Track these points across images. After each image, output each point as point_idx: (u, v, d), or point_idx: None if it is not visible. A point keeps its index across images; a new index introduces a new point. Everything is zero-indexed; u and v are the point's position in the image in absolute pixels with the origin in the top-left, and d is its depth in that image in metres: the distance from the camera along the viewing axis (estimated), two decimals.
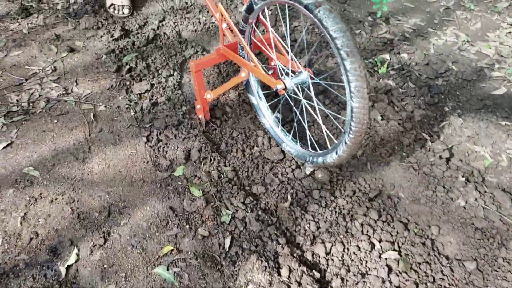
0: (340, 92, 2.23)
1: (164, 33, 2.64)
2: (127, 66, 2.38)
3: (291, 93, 1.66)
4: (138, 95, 2.24)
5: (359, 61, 1.28)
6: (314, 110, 1.98)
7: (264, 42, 1.78)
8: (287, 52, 1.66)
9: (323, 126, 1.70)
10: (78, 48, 2.55)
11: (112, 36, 2.58)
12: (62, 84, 2.30)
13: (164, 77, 2.34)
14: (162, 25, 2.70)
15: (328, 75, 2.33)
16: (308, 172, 1.85)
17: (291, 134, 1.93)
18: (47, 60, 2.45)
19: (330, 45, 1.31)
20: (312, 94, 1.61)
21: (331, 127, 2.09)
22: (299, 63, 1.63)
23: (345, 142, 1.47)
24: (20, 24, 2.72)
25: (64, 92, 2.25)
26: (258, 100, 2.03)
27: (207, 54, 2.45)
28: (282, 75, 1.67)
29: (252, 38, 1.79)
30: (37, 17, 2.78)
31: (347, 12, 2.87)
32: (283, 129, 1.97)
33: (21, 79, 2.32)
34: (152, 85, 2.29)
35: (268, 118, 2.01)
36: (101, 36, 2.61)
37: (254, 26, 1.73)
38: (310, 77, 1.60)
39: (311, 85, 1.60)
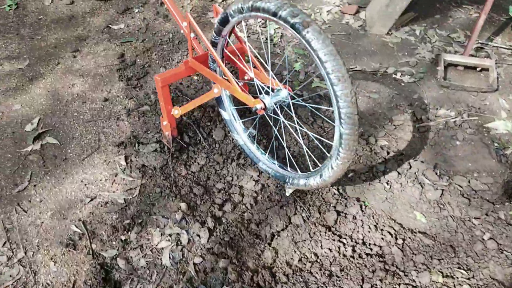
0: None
1: None
2: None
3: (271, 113, 1.60)
4: None
5: (350, 86, 1.24)
6: (296, 130, 1.84)
7: (239, 56, 1.68)
8: (266, 69, 1.57)
9: (306, 149, 1.71)
10: None
11: None
12: None
13: None
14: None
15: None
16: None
17: (267, 153, 1.83)
18: None
19: (319, 68, 1.25)
20: (293, 114, 1.56)
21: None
22: (278, 80, 1.54)
23: (331, 167, 1.43)
24: None
25: None
26: (231, 116, 1.92)
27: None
28: (260, 93, 1.55)
29: (225, 51, 1.69)
30: None
31: None
32: (258, 147, 1.87)
33: None
34: None
35: (242, 135, 1.90)
36: None
37: (227, 38, 1.64)
38: (291, 96, 1.53)
39: (291, 105, 1.54)
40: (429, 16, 2.90)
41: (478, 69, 2.46)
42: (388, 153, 1.98)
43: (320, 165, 1.52)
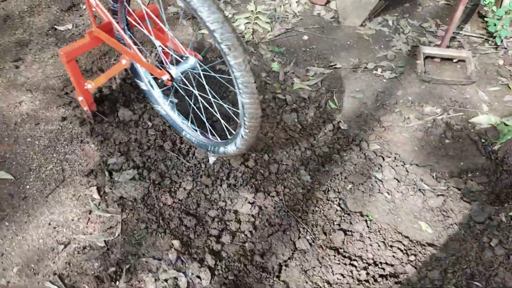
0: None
1: None
2: None
3: (180, 83, 1.51)
4: None
5: (242, 55, 1.20)
6: (209, 100, 1.71)
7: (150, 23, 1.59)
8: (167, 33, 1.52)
9: (220, 118, 1.64)
10: None
11: None
12: None
13: None
14: None
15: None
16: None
17: (189, 121, 1.81)
18: None
19: (210, 36, 1.20)
20: (204, 82, 1.53)
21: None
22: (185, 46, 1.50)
23: (242, 136, 1.43)
24: None
25: None
26: (148, 86, 1.86)
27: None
28: (166, 63, 1.47)
29: (128, 19, 1.60)
30: None
31: None
32: (179, 114, 1.85)
33: None
34: None
35: (163, 105, 1.85)
36: None
37: (126, 5, 1.54)
38: (199, 63, 1.47)
39: (201, 73, 1.50)
40: (399, 5, 2.83)
41: (454, 60, 2.44)
42: (383, 158, 1.90)
43: (234, 133, 1.52)
